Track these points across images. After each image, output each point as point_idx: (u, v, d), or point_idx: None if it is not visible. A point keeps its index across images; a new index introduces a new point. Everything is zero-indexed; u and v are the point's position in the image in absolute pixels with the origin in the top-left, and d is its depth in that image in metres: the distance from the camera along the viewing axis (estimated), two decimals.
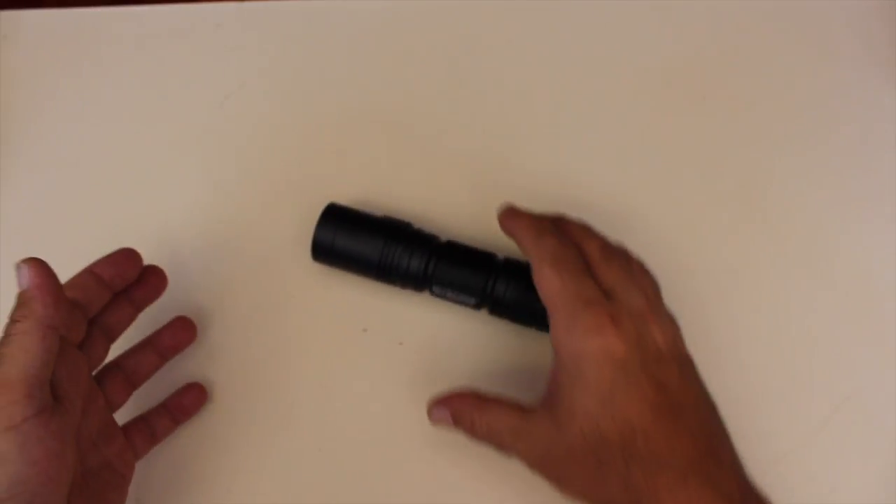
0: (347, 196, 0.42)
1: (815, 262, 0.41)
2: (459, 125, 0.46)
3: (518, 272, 0.37)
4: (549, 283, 0.31)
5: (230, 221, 0.43)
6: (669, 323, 0.32)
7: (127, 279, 0.34)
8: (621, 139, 0.45)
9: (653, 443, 0.28)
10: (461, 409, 0.33)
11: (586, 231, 0.35)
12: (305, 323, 0.40)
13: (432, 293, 0.38)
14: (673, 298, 0.40)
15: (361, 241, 0.38)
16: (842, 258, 0.41)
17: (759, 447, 0.37)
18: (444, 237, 0.39)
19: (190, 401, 0.37)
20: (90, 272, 0.33)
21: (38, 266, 0.30)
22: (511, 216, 0.36)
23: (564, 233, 0.34)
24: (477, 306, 0.38)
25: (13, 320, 0.29)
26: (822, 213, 0.42)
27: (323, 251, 0.38)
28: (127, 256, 0.34)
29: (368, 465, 0.37)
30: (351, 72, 0.48)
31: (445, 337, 0.39)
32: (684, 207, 0.43)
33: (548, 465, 0.30)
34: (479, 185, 0.44)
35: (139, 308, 0.36)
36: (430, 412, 0.34)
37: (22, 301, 0.29)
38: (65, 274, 0.42)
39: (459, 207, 0.43)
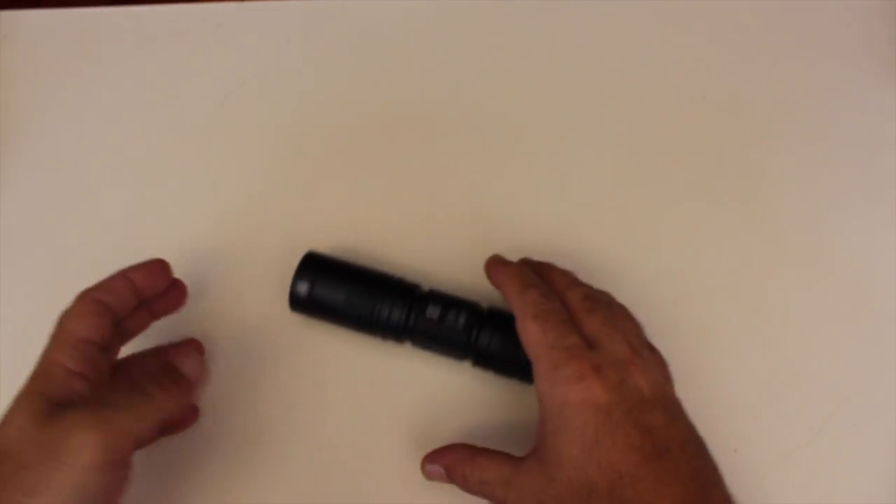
0: (335, 206, 0.42)
1: (815, 262, 0.41)
2: (453, 138, 0.46)
3: (503, 323, 0.36)
4: (532, 335, 0.32)
5: (230, 221, 0.43)
6: (654, 367, 0.32)
7: (156, 290, 0.35)
8: (621, 139, 0.45)
9: (641, 488, 0.28)
10: (453, 464, 0.33)
11: (570, 280, 0.35)
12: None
13: (414, 345, 0.37)
14: (672, 299, 0.40)
15: (340, 292, 0.36)
16: (842, 258, 0.41)
17: (759, 447, 0.37)
18: (427, 282, 0.38)
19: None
20: (126, 278, 0.34)
21: (203, 365, 0.34)
22: (496, 267, 0.37)
23: (549, 283, 0.35)
24: (460, 358, 0.37)
25: (162, 384, 0.32)
26: (822, 213, 0.42)
27: (300, 302, 0.37)
28: (161, 268, 0.35)
29: None
30: (350, 72, 0.48)
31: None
32: (684, 207, 0.43)
33: None
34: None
35: (155, 317, 0.36)
36: (423, 468, 0.35)
37: (178, 380, 0.33)
38: (65, 274, 0.42)
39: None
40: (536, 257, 0.41)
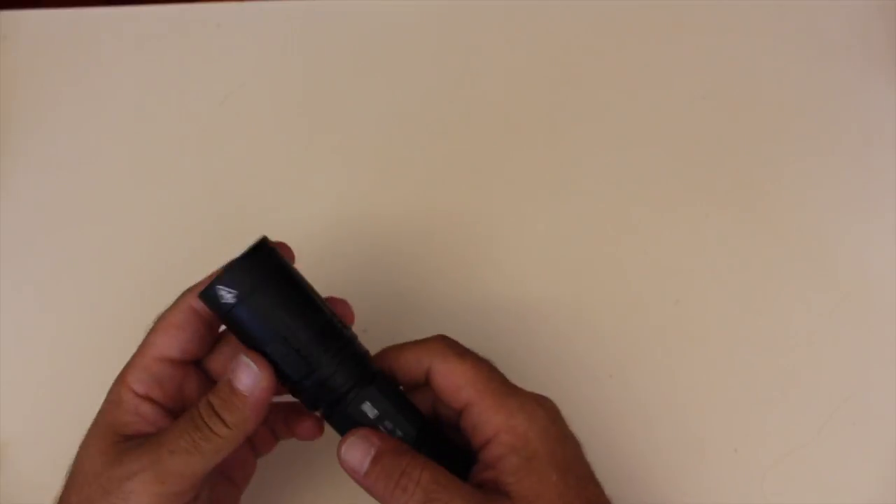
0: (336, 205, 0.42)
1: (815, 262, 0.41)
2: (454, 130, 0.46)
3: (443, 439, 0.30)
4: (467, 373, 0.29)
5: (230, 221, 0.43)
6: None
7: None
8: (621, 139, 0.45)
9: None
10: (395, 455, 0.28)
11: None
12: None
13: (325, 419, 0.30)
14: (673, 299, 0.40)
15: (272, 325, 0.27)
16: (842, 258, 0.41)
17: (759, 447, 0.37)
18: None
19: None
20: None
21: (268, 382, 0.28)
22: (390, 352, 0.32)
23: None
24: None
25: (217, 413, 0.27)
26: (822, 214, 0.42)
27: (216, 306, 0.27)
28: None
29: None
30: (350, 71, 0.48)
31: None
32: (684, 207, 0.43)
33: None
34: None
35: None
36: (340, 449, 0.28)
37: (234, 405, 0.27)
38: (65, 274, 0.42)
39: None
40: (536, 258, 0.41)
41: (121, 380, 0.29)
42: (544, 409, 0.29)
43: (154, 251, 0.42)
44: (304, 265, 0.40)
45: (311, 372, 0.28)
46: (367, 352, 0.30)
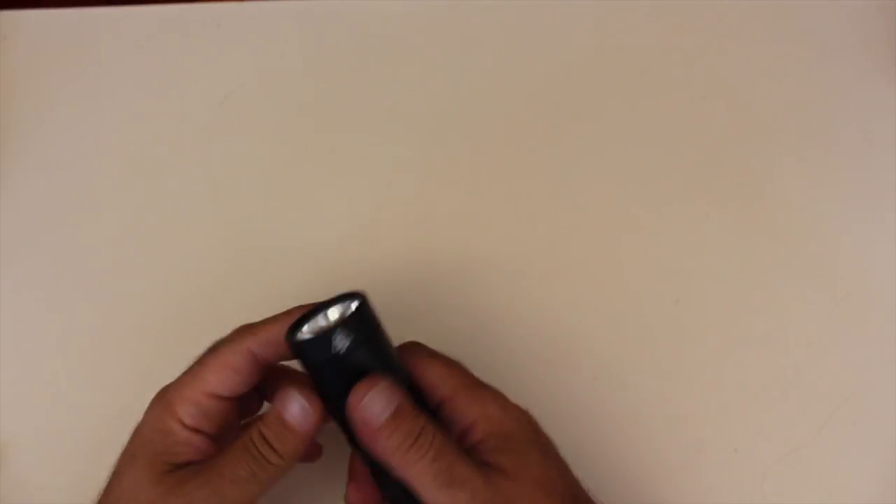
0: (336, 206, 0.42)
1: (815, 262, 0.41)
2: (455, 135, 0.46)
3: None
4: (440, 370, 0.30)
5: (230, 221, 0.43)
6: None
7: None
8: (621, 139, 0.45)
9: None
10: (416, 414, 0.28)
11: None
12: None
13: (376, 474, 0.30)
14: (673, 299, 0.40)
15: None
16: (842, 258, 0.41)
17: (759, 447, 0.37)
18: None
19: None
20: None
21: (317, 415, 0.29)
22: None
23: None
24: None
25: (270, 444, 0.28)
26: (822, 213, 0.42)
27: (322, 352, 0.28)
28: None
29: None
30: (350, 71, 0.48)
31: None
32: (684, 206, 0.43)
33: None
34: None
35: None
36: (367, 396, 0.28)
37: (286, 436, 0.28)
38: (65, 275, 0.42)
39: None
40: (536, 258, 0.41)
41: (168, 409, 0.29)
42: (517, 406, 0.30)
43: (154, 251, 0.42)
44: (304, 265, 0.40)
45: None
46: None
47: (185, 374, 0.30)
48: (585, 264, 0.41)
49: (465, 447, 0.29)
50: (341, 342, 0.27)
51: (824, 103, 0.46)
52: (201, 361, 0.30)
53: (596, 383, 0.38)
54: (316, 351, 0.28)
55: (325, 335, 0.27)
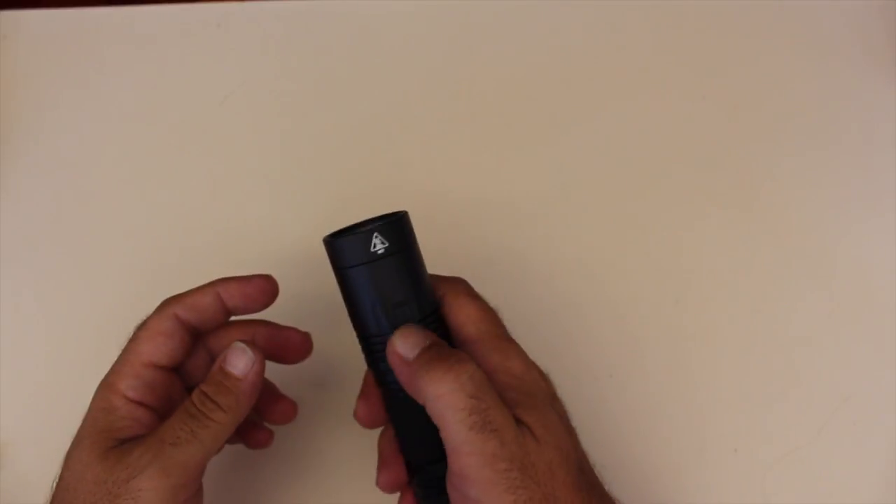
0: (336, 206, 0.42)
1: (815, 262, 0.41)
2: (454, 124, 0.46)
3: None
4: (474, 312, 0.30)
5: (229, 222, 0.43)
6: None
7: (249, 312, 0.32)
8: (621, 139, 0.45)
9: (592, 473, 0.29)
10: (449, 349, 0.28)
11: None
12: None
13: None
14: (673, 298, 0.40)
15: (408, 281, 0.29)
16: (842, 258, 0.41)
17: (759, 447, 0.37)
18: None
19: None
20: (216, 294, 0.31)
21: (261, 364, 0.29)
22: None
23: None
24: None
25: (212, 399, 0.28)
26: (822, 213, 0.42)
27: (361, 253, 0.28)
28: (261, 290, 0.32)
29: None
30: (350, 71, 0.48)
31: None
32: (684, 207, 0.43)
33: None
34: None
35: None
36: (399, 333, 0.28)
37: (228, 389, 0.29)
38: (65, 275, 0.42)
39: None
40: (536, 258, 0.41)
41: (110, 387, 0.29)
42: (538, 367, 0.29)
43: (153, 251, 0.42)
44: (303, 265, 0.40)
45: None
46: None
47: (121, 353, 0.30)
48: (585, 264, 0.41)
49: None
50: (379, 244, 0.28)
51: (824, 103, 0.46)
52: (133, 338, 0.30)
53: (596, 383, 0.38)
54: (352, 252, 0.28)
55: (365, 235, 0.28)
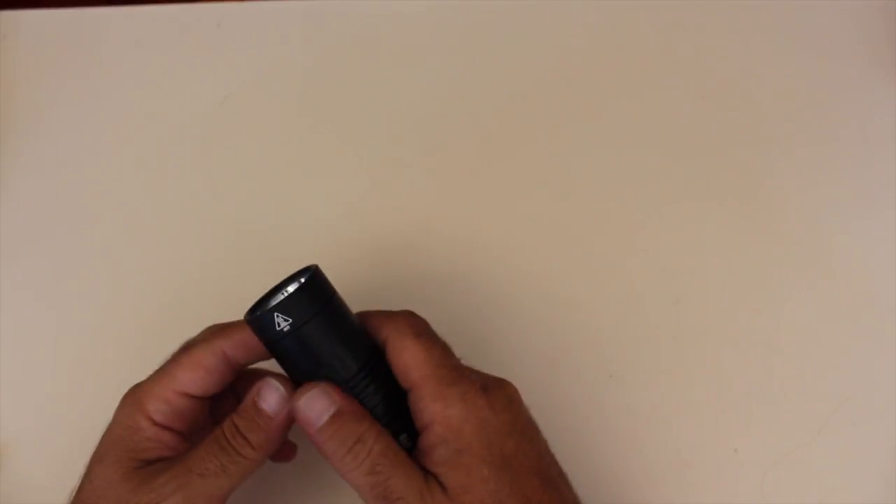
0: (336, 206, 0.42)
1: (816, 261, 0.41)
2: (456, 130, 0.46)
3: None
4: (416, 354, 0.28)
5: (229, 222, 0.43)
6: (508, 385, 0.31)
7: None
8: (621, 139, 0.45)
9: None
10: (351, 427, 0.27)
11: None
12: None
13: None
14: (672, 298, 0.40)
15: (327, 350, 0.28)
16: (842, 258, 0.41)
17: (759, 447, 0.37)
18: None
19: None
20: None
21: (288, 400, 0.29)
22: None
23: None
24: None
25: (243, 435, 0.28)
26: (822, 213, 0.42)
27: (270, 331, 0.28)
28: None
29: None
30: (350, 71, 0.48)
31: None
32: (684, 207, 0.43)
33: None
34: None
35: None
36: (300, 401, 0.28)
37: (259, 425, 0.28)
38: (65, 275, 0.42)
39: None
40: (536, 258, 0.41)
41: (138, 404, 0.29)
42: (487, 399, 0.28)
43: (154, 251, 0.42)
44: (304, 265, 0.40)
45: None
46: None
47: (157, 371, 0.30)
48: (585, 264, 0.41)
49: (420, 448, 0.28)
50: (282, 322, 0.27)
51: (824, 103, 0.46)
52: (174, 360, 0.29)
53: (595, 383, 0.38)
54: (264, 329, 0.28)
55: (267, 314, 0.27)
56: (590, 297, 0.40)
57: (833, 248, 0.41)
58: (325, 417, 0.27)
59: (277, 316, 0.27)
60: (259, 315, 0.28)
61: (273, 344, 0.28)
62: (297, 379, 0.29)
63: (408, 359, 0.29)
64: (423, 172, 0.44)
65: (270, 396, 0.28)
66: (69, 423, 0.38)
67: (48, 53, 0.49)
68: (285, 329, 0.27)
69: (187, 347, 0.30)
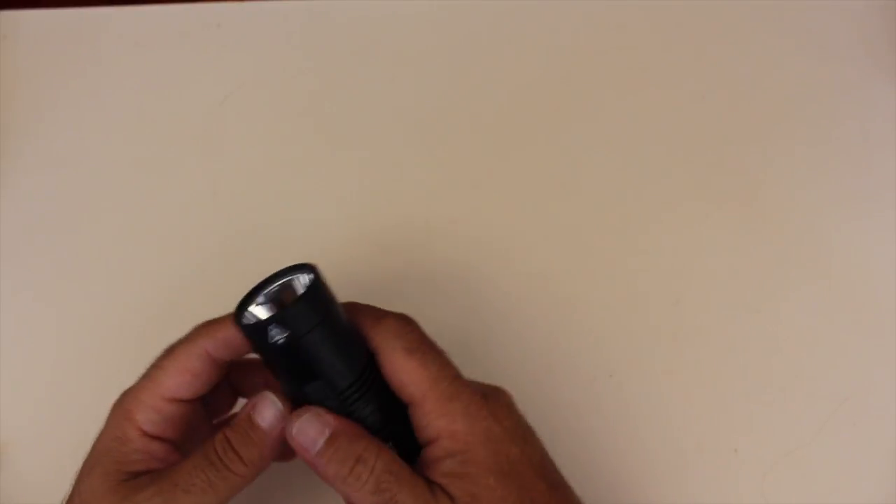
0: (336, 206, 0.42)
1: (816, 261, 0.41)
2: (455, 135, 0.46)
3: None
4: (413, 371, 0.28)
5: (229, 222, 0.43)
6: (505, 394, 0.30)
7: None
8: (621, 139, 0.45)
9: None
10: (349, 447, 0.27)
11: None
12: None
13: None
14: (673, 299, 0.40)
15: (325, 365, 0.27)
16: (841, 258, 0.41)
17: (759, 447, 0.37)
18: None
19: None
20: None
21: (285, 416, 0.28)
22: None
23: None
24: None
25: (235, 450, 0.27)
26: (823, 213, 0.42)
27: (263, 340, 0.26)
28: None
29: None
30: (351, 71, 0.48)
31: None
32: (684, 207, 0.43)
33: None
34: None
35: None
36: (292, 428, 0.27)
37: (252, 440, 0.27)
38: (65, 275, 0.42)
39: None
40: (536, 258, 0.41)
41: (126, 414, 0.28)
42: (489, 409, 0.28)
43: (154, 251, 0.42)
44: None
45: (348, 414, 0.28)
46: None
47: (143, 378, 0.29)
48: (585, 264, 0.41)
49: (424, 460, 0.28)
50: (278, 334, 0.26)
51: (824, 103, 0.46)
52: (158, 365, 0.29)
53: (595, 383, 0.38)
54: (257, 338, 0.27)
55: (262, 324, 0.26)
56: (590, 297, 0.40)
57: (833, 248, 0.41)
58: (321, 441, 0.27)
59: (272, 328, 0.26)
60: (254, 324, 0.26)
61: (265, 353, 0.27)
62: (288, 386, 0.28)
63: (404, 377, 0.28)
64: (422, 172, 0.44)
65: (267, 411, 0.28)
66: (69, 423, 0.38)
67: (48, 53, 0.49)
68: (279, 341, 0.26)
69: (171, 350, 0.29)
